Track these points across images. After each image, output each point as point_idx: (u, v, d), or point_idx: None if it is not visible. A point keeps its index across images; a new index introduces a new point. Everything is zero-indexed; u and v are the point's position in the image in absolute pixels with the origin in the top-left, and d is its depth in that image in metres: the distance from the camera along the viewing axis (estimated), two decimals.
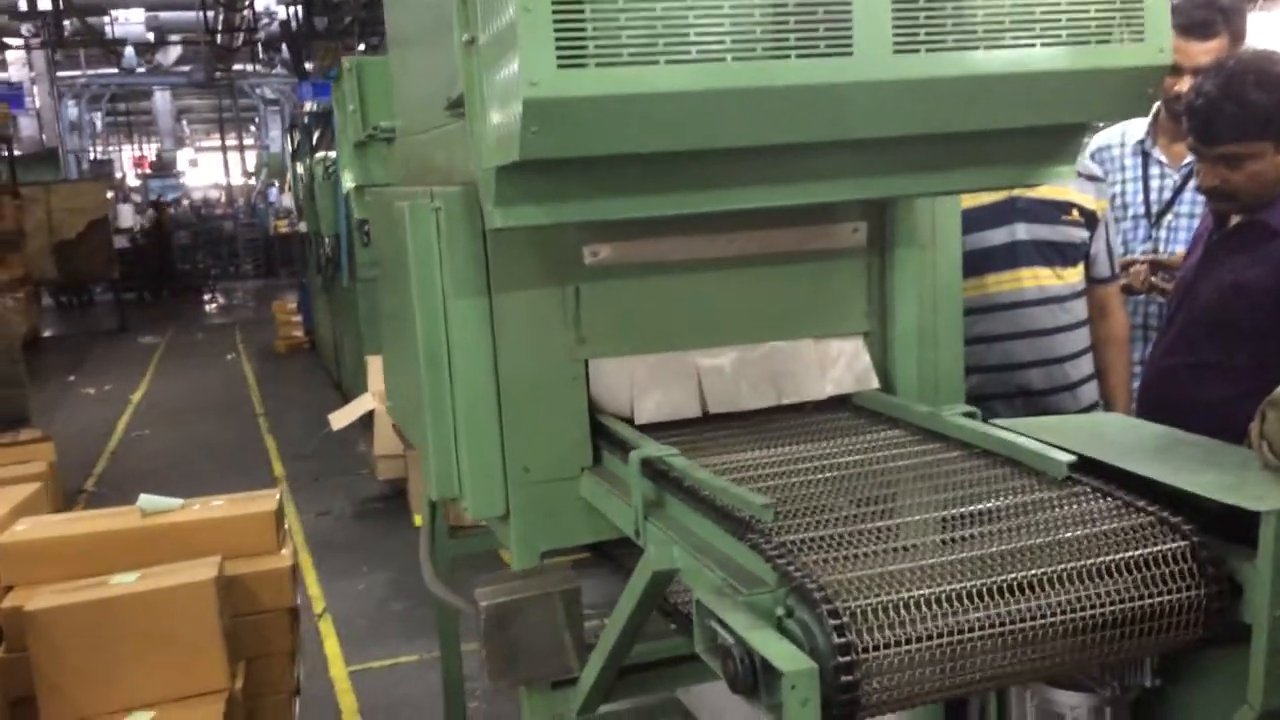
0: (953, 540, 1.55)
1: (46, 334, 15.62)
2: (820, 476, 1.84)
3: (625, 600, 1.87)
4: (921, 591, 1.39)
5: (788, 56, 1.60)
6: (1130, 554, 1.47)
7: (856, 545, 1.54)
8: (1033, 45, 1.70)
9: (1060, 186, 2.76)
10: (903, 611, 1.37)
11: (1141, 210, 3.15)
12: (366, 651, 4.44)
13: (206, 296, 20.22)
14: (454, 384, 2.09)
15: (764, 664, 1.33)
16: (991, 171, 1.96)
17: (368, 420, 6.25)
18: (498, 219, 1.76)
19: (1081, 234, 2.79)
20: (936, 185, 1.98)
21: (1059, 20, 1.70)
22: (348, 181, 3.40)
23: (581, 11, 1.51)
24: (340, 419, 6.03)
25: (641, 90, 1.55)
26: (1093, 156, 3.24)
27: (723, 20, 1.56)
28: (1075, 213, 2.77)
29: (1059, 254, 2.77)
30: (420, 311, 2.08)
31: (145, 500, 2.80)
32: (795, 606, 1.42)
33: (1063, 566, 1.45)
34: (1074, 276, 2.81)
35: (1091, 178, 2.85)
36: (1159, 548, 1.47)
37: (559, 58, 1.51)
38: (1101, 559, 1.46)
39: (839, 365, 2.28)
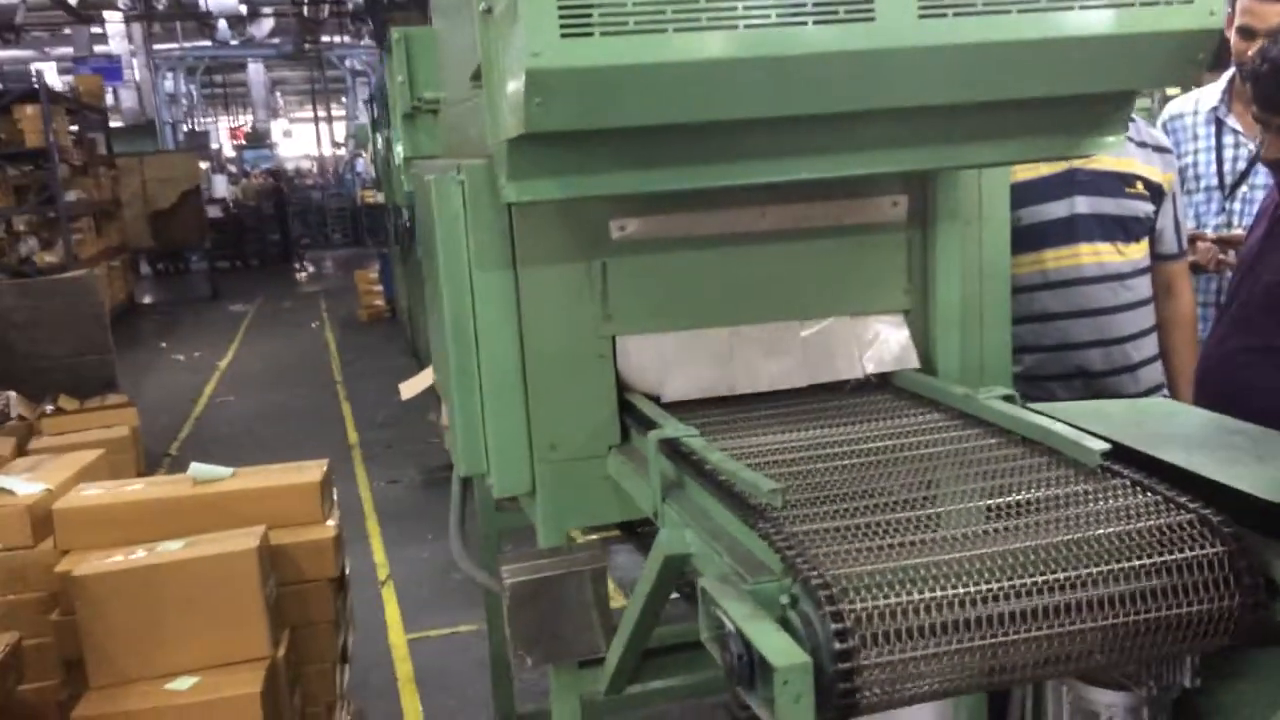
0: (973, 535, 1.48)
1: (143, 301, 16.12)
2: (844, 463, 1.78)
3: (642, 583, 1.83)
4: (932, 593, 1.33)
5: (805, 23, 1.53)
6: (1161, 559, 1.38)
7: (870, 537, 1.47)
8: (1070, 8, 1.60)
9: (1124, 158, 2.64)
10: (910, 613, 1.31)
11: (1214, 182, 3.00)
12: (426, 619, 4.50)
13: (295, 265, 20.66)
14: (480, 359, 2.07)
15: (760, 656, 1.29)
16: (1035, 142, 1.87)
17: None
18: (511, 193, 1.73)
19: (1146, 208, 2.66)
20: (977, 157, 1.90)
21: None
22: (399, 153, 3.40)
23: None
24: (410, 388, 6.06)
25: (649, 60, 1.50)
26: (1164, 125, 3.09)
27: None
28: (1140, 185, 2.64)
29: (1121, 229, 2.64)
30: (446, 285, 2.07)
31: (196, 469, 2.85)
32: (799, 598, 1.37)
33: (1088, 571, 1.37)
34: (1137, 253, 2.68)
35: (1159, 148, 2.72)
36: (1192, 553, 1.38)
37: (562, 27, 1.46)
38: (1131, 563, 1.38)
39: (876, 344, 2.21)
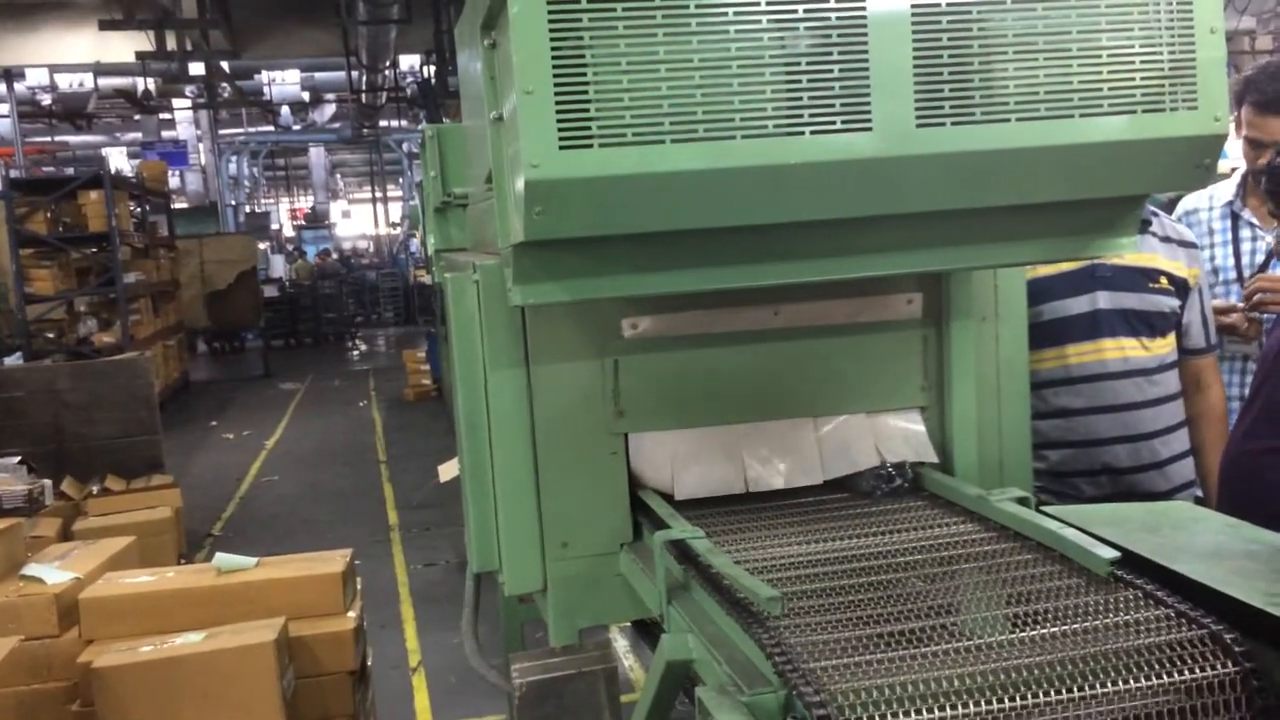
0: (977, 650, 1.44)
1: (196, 378, 16.42)
2: (850, 568, 1.75)
3: (646, 687, 1.81)
4: (931, 713, 1.30)
5: (802, 133, 1.54)
6: (1171, 680, 1.34)
7: (870, 649, 1.45)
8: (1071, 116, 1.60)
9: (1148, 253, 2.62)
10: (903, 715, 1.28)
11: (1233, 275, 2.97)
12: (456, 708, 4.46)
13: (348, 343, 20.97)
14: (493, 456, 2.09)
15: None
16: (1046, 244, 1.86)
17: None
18: (518, 297, 1.75)
19: (1171, 302, 2.63)
20: (988, 259, 1.89)
21: (1100, 89, 1.60)
22: (431, 245, 3.46)
23: (585, 92, 1.49)
24: (447, 471, 6.09)
25: (648, 170, 1.52)
26: (1180, 220, 3.07)
27: (731, 98, 1.51)
28: (1164, 280, 2.61)
29: (1146, 324, 2.61)
30: (461, 382, 2.09)
31: (221, 559, 2.88)
32: (794, 712, 1.35)
33: (1094, 692, 1.33)
34: (1163, 348, 2.64)
35: (1184, 243, 2.69)
36: (1205, 674, 1.34)
37: (561, 138, 1.49)
38: (1141, 684, 1.34)
39: (893, 438, 2.18)
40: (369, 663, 3.09)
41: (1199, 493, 2.71)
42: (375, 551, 6.56)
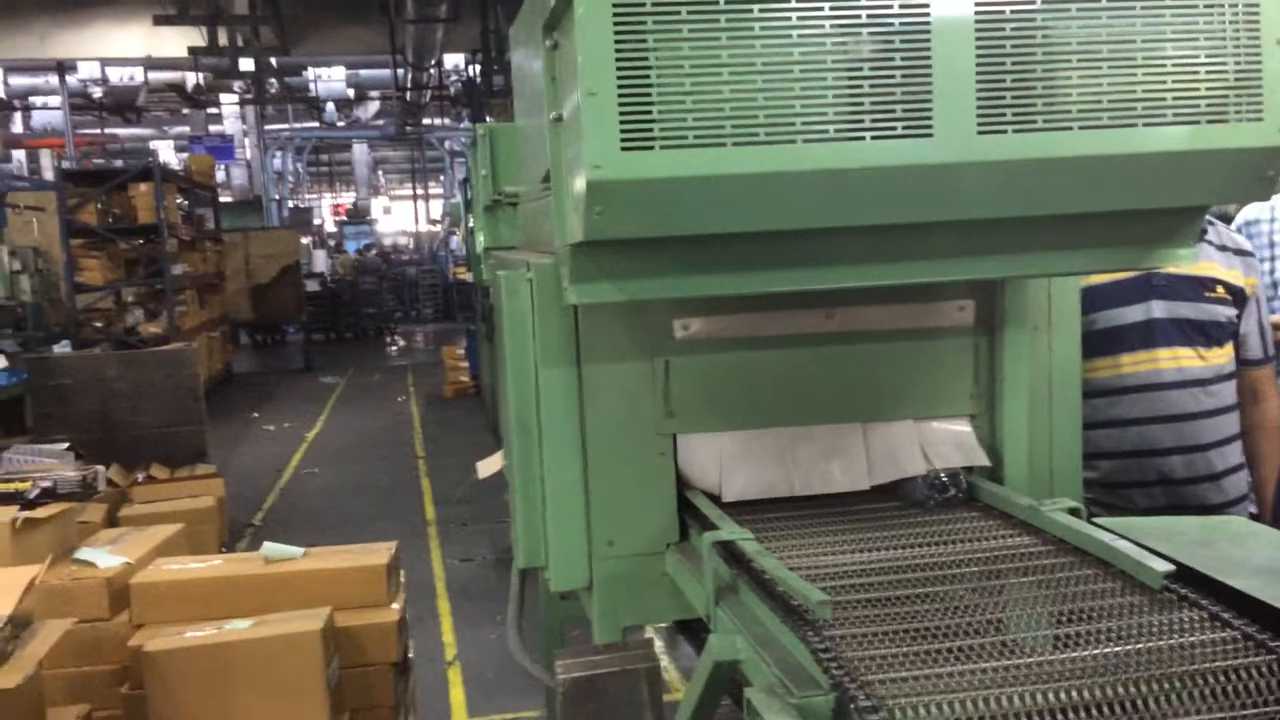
0: (1029, 666, 1.43)
1: (240, 371, 16.62)
2: (900, 575, 1.75)
3: (692, 687, 1.82)
4: (979, 708, 1.30)
5: (863, 138, 1.55)
6: (1216, 664, 1.34)
7: (918, 648, 1.45)
8: (1134, 125, 1.59)
9: (1204, 262, 2.59)
10: None
11: None
12: (490, 704, 4.49)
13: (387, 339, 21.13)
14: (542, 453, 2.10)
15: None
16: (1102, 254, 1.85)
17: None
18: (573, 295, 1.77)
19: (1228, 312, 2.60)
20: (1044, 267, 1.88)
21: (1164, 99, 1.59)
22: (480, 242, 3.48)
23: (648, 94, 1.50)
24: (486, 467, 6.13)
25: (708, 173, 1.53)
26: (1240, 229, 3.03)
27: (793, 102, 1.52)
28: (1220, 290, 2.59)
29: (1202, 333, 2.58)
30: (512, 380, 2.11)
31: (269, 548, 2.92)
32: (845, 715, 1.35)
33: (1136, 675, 1.33)
34: (1220, 358, 2.61)
35: (1240, 252, 2.67)
36: (1246, 660, 1.34)
37: (623, 140, 1.50)
38: (1183, 668, 1.34)
39: (942, 448, 2.18)
40: (411, 654, 3.12)
41: (1253, 508, 2.68)
42: (413, 545, 6.61)
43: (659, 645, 4.69)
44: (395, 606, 2.90)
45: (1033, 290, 2.16)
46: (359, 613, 2.81)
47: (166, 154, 22.53)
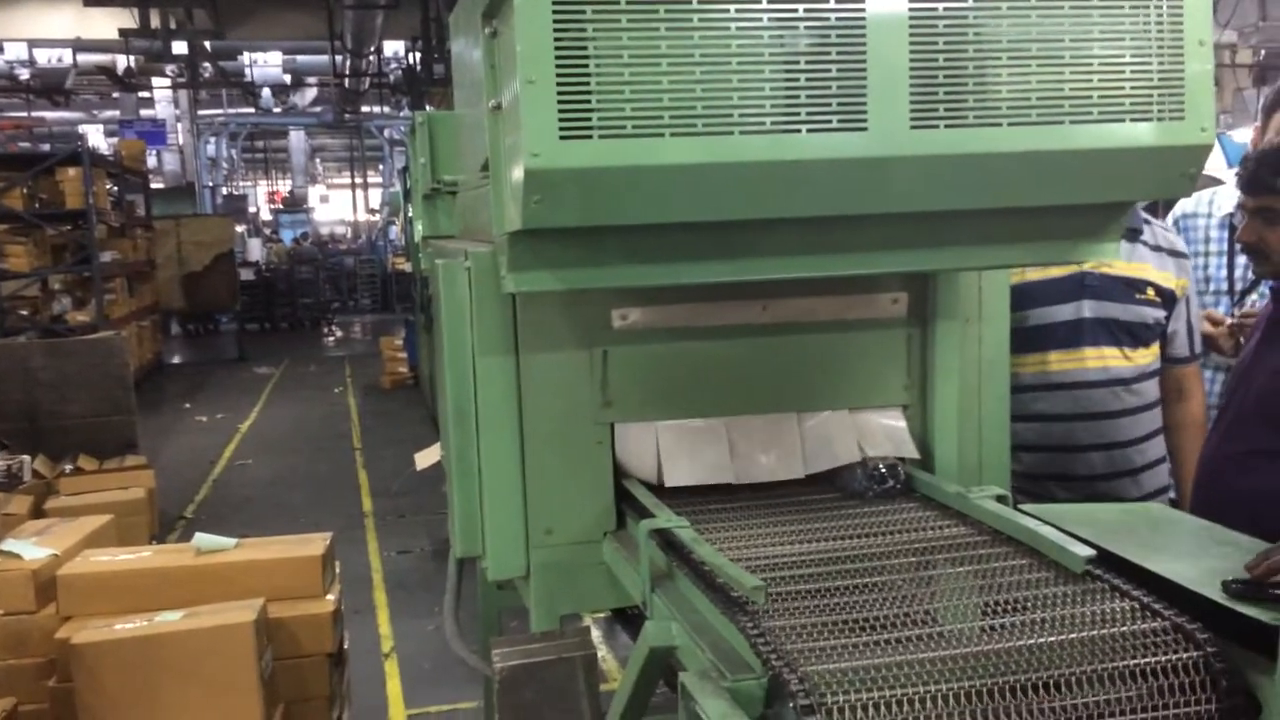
0: (954, 636, 1.48)
1: (171, 361, 16.31)
2: (832, 556, 1.79)
3: (627, 674, 1.83)
4: (906, 690, 1.33)
5: (799, 131, 1.57)
6: (1139, 661, 1.38)
7: (848, 634, 1.48)
8: (1061, 122, 1.63)
9: (1137, 263, 2.65)
10: (887, 713, 1.31)
11: (1224, 286, 3.01)
12: (427, 695, 4.47)
13: (324, 329, 20.87)
14: (480, 442, 2.10)
15: None
16: (1031, 248, 1.89)
17: None
18: (511, 284, 1.77)
19: (1156, 314, 2.66)
20: (974, 260, 1.92)
21: (1090, 97, 1.63)
22: (418, 231, 3.47)
23: (587, 83, 1.51)
24: (424, 459, 6.11)
25: (646, 163, 1.54)
26: (1174, 223, 3.11)
27: (730, 94, 1.54)
28: (1151, 291, 2.64)
29: (1129, 334, 2.64)
30: (450, 369, 2.10)
31: (200, 539, 2.88)
32: (776, 697, 1.38)
33: (1066, 672, 1.37)
34: (1145, 358, 2.68)
35: (1174, 253, 2.72)
36: (1170, 657, 1.38)
37: (562, 129, 1.51)
38: (1109, 665, 1.38)
39: (875, 438, 2.21)
40: (346, 646, 3.10)
41: (1173, 496, 2.76)
42: (349, 537, 6.55)
43: (596, 635, 4.70)
44: (330, 598, 2.88)
45: (964, 283, 2.20)
46: (293, 604, 2.78)
47: (96, 138, 21.97)
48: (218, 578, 2.76)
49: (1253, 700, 1.37)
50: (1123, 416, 2.64)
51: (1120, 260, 2.62)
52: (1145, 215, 2.75)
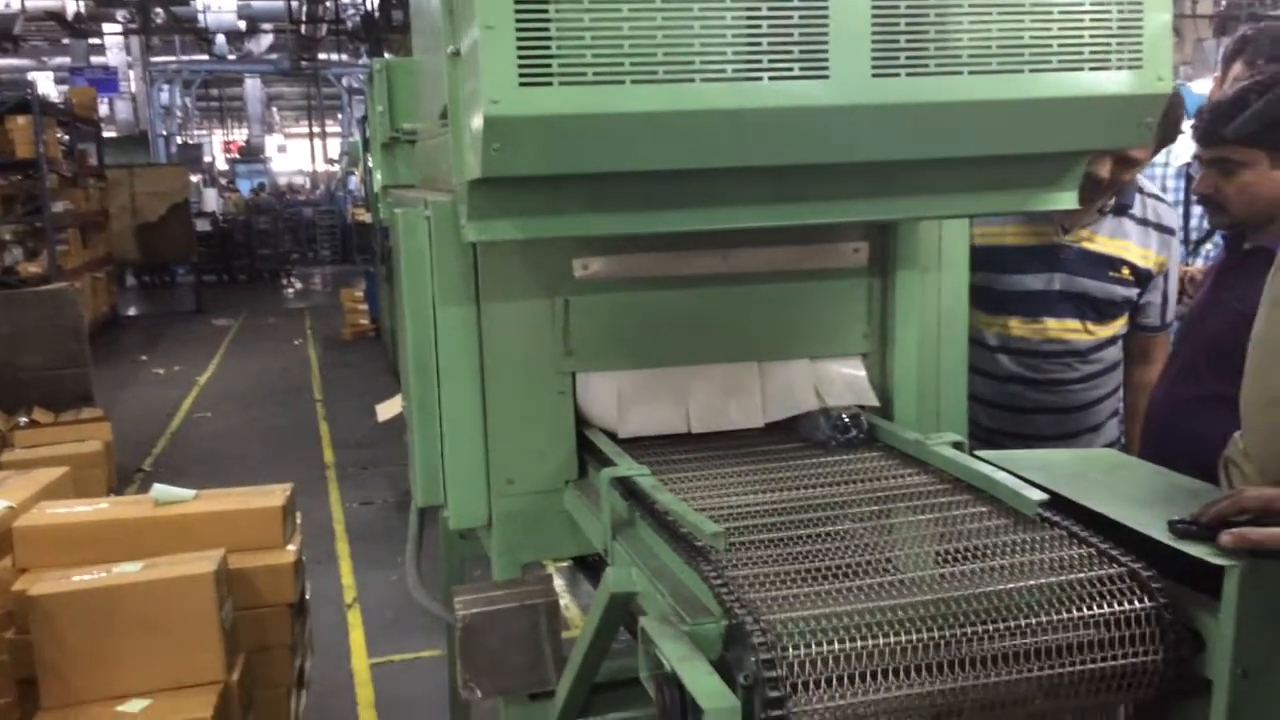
0: (911, 582, 1.50)
1: (126, 313, 16.08)
2: (792, 504, 1.80)
3: (589, 619, 1.85)
4: (867, 640, 1.36)
5: (760, 79, 1.56)
6: (1077, 576, 1.42)
7: (802, 572, 1.51)
8: (1021, 71, 1.64)
9: (1119, 239, 2.66)
10: (845, 659, 1.33)
11: (1180, 236, 3.04)
12: (390, 644, 4.49)
13: (283, 281, 20.64)
14: (440, 392, 2.10)
15: (692, 699, 1.30)
16: (990, 198, 1.90)
17: None
18: (471, 233, 1.76)
19: (1128, 292, 2.68)
20: (933, 210, 1.93)
21: (1050, 46, 1.64)
22: (378, 181, 3.43)
23: (546, 29, 1.49)
24: (386, 410, 6.09)
25: (606, 110, 1.53)
26: None
27: (692, 40, 1.53)
28: (1125, 270, 2.66)
29: (1095, 309, 2.67)
30: (410, 318, 2.09)
31: (159, 490, 2.86)
32: (735, 641, 1.39)
33: (1020, 622, 1.40)
34: (1106, 331, 2.70)
35: (1160, 227, 2.71)
36: (1106, 571, 1.42)
37: (521, 75, 1.49)
38: (1061, 615, 1.41)
39: (834, 386, 2.23)
40: (307, 596, 3.11)
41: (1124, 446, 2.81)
42: (311, 489, 6.53)
43: (560, 584, 4.74)
44: (291, 548, 2.88)
45: (924, 233, 2.21)
46: (253, 555, 2.78)
47: (46, 86, 21.46)
48: (177, 529, 2.75)
49: (1197, 638, 1.41)
50: (1074, 384, 2.68)
51: (1102, 236, 2.65)
52: (1145, 188, 2.75)
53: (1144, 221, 2.69)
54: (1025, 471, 1.76)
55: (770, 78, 1.56)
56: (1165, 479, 1.77)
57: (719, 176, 1.74)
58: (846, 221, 2.07)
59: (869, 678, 1.33)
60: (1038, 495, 1.65)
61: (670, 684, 1.34)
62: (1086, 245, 2.62)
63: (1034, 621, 1.40)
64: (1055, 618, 1.40)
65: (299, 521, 3.06)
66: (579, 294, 2.10)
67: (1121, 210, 2.65)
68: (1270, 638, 1.35)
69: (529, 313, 2.09)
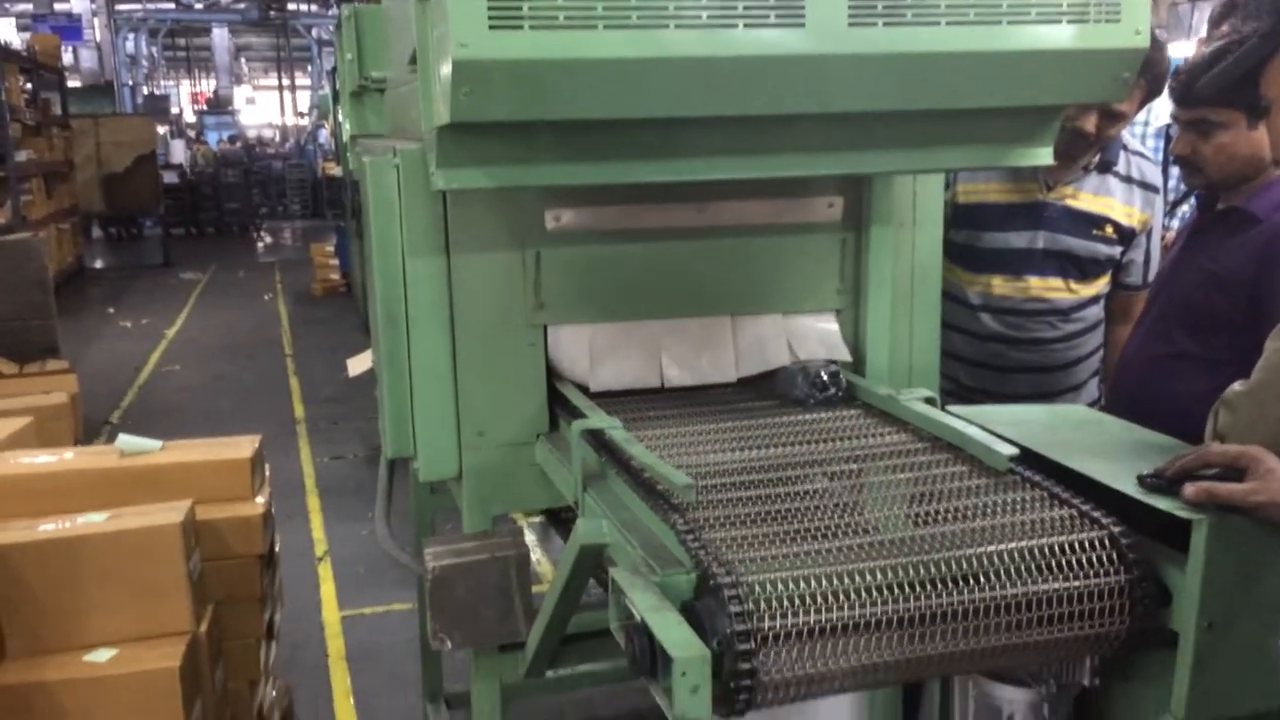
0: (882, 534, 1.50)
1: (93, 265, 15.86)
2: (764, 459, 1.80)
3: (560, 570, 1.85)
4: (829, 573, 1.36)
5: (735, 26, 1.54)
6: (1048, 540, 1.42)
7: (774, 525, 1.51)
8: (998, 23, 1.62)
9: (1103, 197, 2.65)
10: (808, 594, 1.34)
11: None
12: (361, 597, 4.49)
13: (253, 235, 20.41)
14: (410, 343, 2.08)
15: (662, 648, 1.30)
16: (966, 151, 1.90)
17: None
18: (440, 181, 1.73)
19: (1111, 251, 2.68)
20: (909, 164, 1.92)
21: None
22: (347, 131, 3.37)
23: None
24: (356, 365, 6.04)
25: (578, 55, 1.51)
26: None
27: None
28: (1109, 229, 2.65)
29: (1078, 268, 2.66)
30: (379, 269, 2.06)
31: (124, 440, 2.82)
32: (705, 591, 1.39)
33: (980, 550, 1.41)
34: (1089, 290, 2.70)
35: (1145, 185, 2.71)
36: (1078, 535, 1.43)
37: (491, 19, 1.46)
38: (1020, 544, 1.42)
39: (807, 342, 2.23)
40: (277, 549, 3.09)
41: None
42: (281, 444, 6.50)
43: (531, 539, 4.75)
44: (260, 500, 2.86)
45: (898, 189, 2.20)
46: (222, 506, 2.75)
47: (7, 32, 20.98)
48: (143, 480, 2.72)
49: (1165, 592, 1.42)
50: (1056, 343, 2.69)
51: (1086, 193, 2.64)
52: (1129, 144, 2.74)
53: (1128, 179, 2.69)
54: (997, 427, 1.77)
55: (745, 25, 1.54)
56: (1135, 435, 1.78)
57: (692, 126, 1.72)
58: (821, 175, 2.05)
59: (839, 630, 1.34)
60: (1009, 450, 1.66)
61: (640, 633, 1.34)
62: (1070, 203, 2.62)
63: (986, 551, 1.40)
64: (1031, 588, 1.39)
65: (268, 474, 3.04)
66: (550, 246, 2.08)
67: (1106, 167, 2.64)
68: (1236, 591, 1.36)
69: (500, 265, 2.07)
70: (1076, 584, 1.39)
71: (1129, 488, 1.49)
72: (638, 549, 1.57)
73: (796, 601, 1.33)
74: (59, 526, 2.44)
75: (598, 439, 1.86)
